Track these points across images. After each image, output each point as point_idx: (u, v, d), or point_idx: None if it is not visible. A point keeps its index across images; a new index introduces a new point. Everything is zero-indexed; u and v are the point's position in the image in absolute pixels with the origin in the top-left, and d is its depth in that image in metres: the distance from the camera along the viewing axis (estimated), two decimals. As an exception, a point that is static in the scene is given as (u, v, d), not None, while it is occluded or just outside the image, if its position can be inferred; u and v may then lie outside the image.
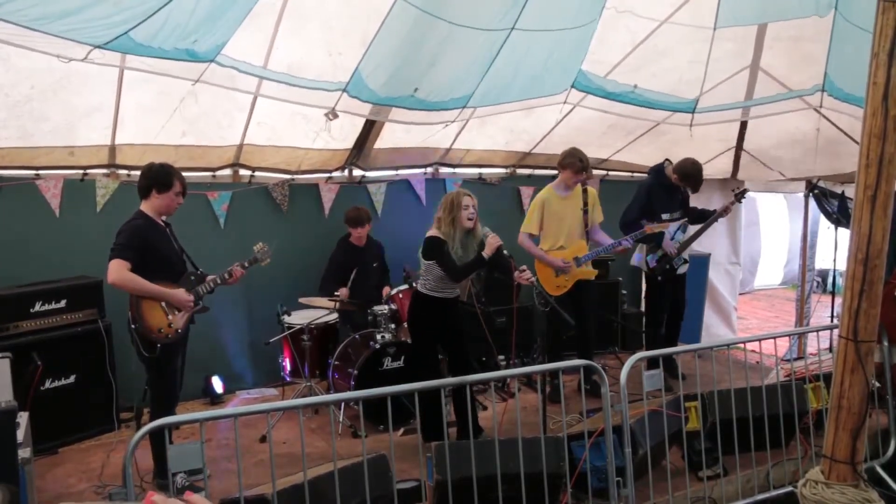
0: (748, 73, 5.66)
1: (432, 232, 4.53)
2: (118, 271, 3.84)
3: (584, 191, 5.50)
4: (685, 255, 5.89)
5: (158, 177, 4.04)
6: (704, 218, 5.96)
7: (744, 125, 6.73)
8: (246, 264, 4.34)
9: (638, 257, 6.13)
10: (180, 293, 4.04)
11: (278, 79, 4.46)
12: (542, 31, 4.61)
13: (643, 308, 7.51)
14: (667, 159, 5.91)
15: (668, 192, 5.81)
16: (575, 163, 5.33)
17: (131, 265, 3.87)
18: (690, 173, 5.66)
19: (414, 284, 5.62)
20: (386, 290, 5.91)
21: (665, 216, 5.69)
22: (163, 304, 4.00)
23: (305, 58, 4.54)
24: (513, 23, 4.50)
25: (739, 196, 5.95)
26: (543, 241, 5.49)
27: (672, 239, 5.80)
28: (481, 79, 4.91)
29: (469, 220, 4.45)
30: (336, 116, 4.84)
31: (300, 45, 4.52)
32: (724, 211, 5.83)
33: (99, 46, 3.69)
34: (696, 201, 6.95)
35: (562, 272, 5.38)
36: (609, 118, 6.05)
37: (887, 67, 2.49)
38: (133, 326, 3.91)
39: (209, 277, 4.22)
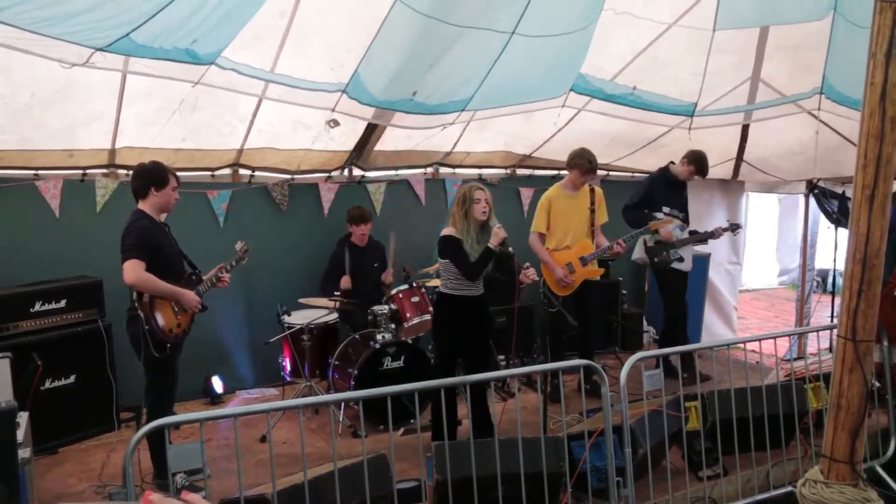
0: (748, 85, 5.67)
1: (447, 230, 4.47)
2: (135, 271, 3.83)
3: (592, 190, 5.51)
4: (683, 253, 5.90)
5: (154, 174, 4.06)
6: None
7: (744, 137, 6.72)
8: (233, 263, 4.38)
9: (638, 252, 6.14)
10: (191, 294, 4.07)
11: (278, 80, 4.47)
12: (543, 36, 4.60)
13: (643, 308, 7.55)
14: (671, 161, 5.97)
15: (672, 187, 5.89)
16: (584, 164, 5.34)
17: (145, 265, 3.87)
18: (700, 157, 5.81)
19: (414, 284, 5.64)
20: (387, 274, 5.91)
21: (665, 209, 5.75)
22: (172, 304, 4.02)
23: (309, 71, 4.55)
24: (513, 27, 4.50)
25: (734, 229, 6.03)
26: (549, 240, 5.49)
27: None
28: (481, 83, 4.90)
29: (483, 213, 4.40)
30: (337, 124, 4.82)
31: (302, 60, 4.52)
32: (713, 234, 5.91)
33: (100, 49, 3.69)
34: (699, 200, 6.97)
35: (563, 283, 5.38)
36: (609, 133, 6.07)
37: (884, 68, 2.49)
38: (146, 327, 3.89)
39: (206, 277, 4.25)
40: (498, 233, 4.31)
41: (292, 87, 4.49)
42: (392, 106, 4.92)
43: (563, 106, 5.52)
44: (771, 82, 5.60)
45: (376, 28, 4.31)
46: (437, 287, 4.75)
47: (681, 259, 5.91)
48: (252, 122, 5.29)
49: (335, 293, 5.43)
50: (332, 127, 4.82)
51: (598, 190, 5.60)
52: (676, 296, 6.04)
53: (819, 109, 5.33)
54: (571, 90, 5.31)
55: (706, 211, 7.21)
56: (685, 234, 5.96)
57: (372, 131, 5.81)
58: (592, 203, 5.49)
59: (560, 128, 6.10)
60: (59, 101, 4.51)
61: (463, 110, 5.13)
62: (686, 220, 6.01)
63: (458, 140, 6.30)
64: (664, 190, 5.89)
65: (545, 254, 5.44)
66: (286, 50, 4.41)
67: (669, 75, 5.40)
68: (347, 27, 4.40)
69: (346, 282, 5.63)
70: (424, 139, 6.04)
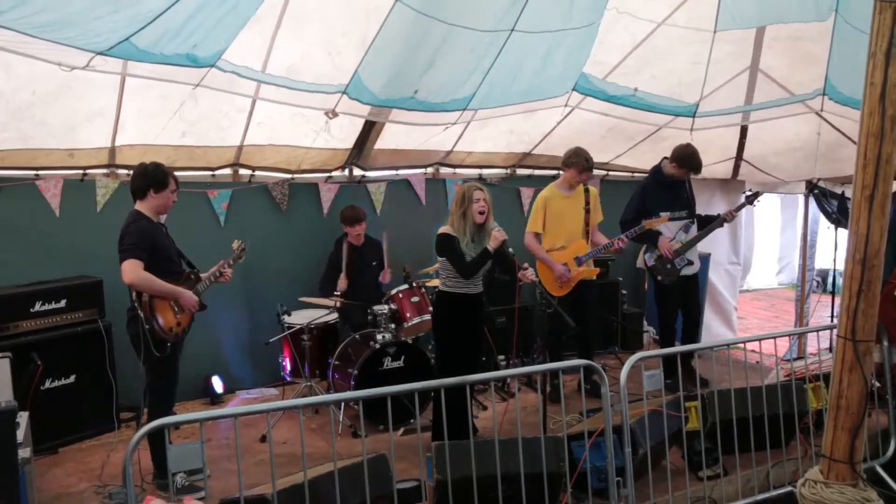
0: (748, 74, 5.64)
1: (443, 228, 4.48)
2: (134, 271, 3.84)
3: (586, 191, 5.50)
4: (691, 256, 5.71)
5: (155, 176, 4.07)
6: (709, 222, 5.81)
7: (744, 134, 6.69)
8: (231, 262, 4.40)
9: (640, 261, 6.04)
10: (189, 293, 4.08)
11: (278, 83, 4.46)
12: (542, 32, 4.59)
13: (643, 308, 7.54)
14: (664, 157, 5.85)
15: (668, 189, 5.66)
16: (580, 162, 5.32)
17: (144, 265, 3.88)
18: (687, 155, 5.50)
19: (414, 284, 5.64)
20: (385, 275, 5.91)
21: (663, 215, 5.54)
22: (172, 303, 4.03)
23: (305, 59, 4.53)
24: (512, 24, 4.50)
25: (751, 199, 5.81)
26: (544, 240, 5.47)
27: (673, 238, 5.65)
28: (482, 81, 4.89)
29: (480, 213, 4.38)
30: (336, 115, 4.83)
31: (299, 47, 4.51)
32: (729, 215, 5.68)
33: (101, 53, 3.69)
34: (700, 200, 6.94)
35: (562, 279, 5.36)
36: (609, 122, 6.03)
37: (884, 67, 2.49)
38: (147, 327, 3.89)
39: (204, 276, 4.27)
40: (497, 236, 4.31)
41: (292, 90, 4.49)
42: (393, 104, 4.92)
43: (565, 105, 5.50)
44: (770, 73, 5.57)
45: (373, 19, 4.30)
46: (437, 287, 4.75)
47: (690, 263, 5.72)
48: (251, 115, 5.28)
49: (334, 293, 5.44)
50: (331, 118, 4.81)
51: (593, 189, 5.58)
52: (693, 301, 5.92)
53: (822, 111, 5.32)
54: (574, 90, 5.30)
55: (706, 212, 7.20)
56: (691, 234, 5.74)
57: (371, 127, 5.80)
58: (587, 203, 5.47)
59: (559, 121, 6.08)
60: (60, 96, 4.50)
61: (465, 109, 5.12)
62: (692, 216, 5.78)
63: (458, 138, 6.29)
64: (658, 195, 5.63)
65: (542, 252, 5.43)
66: (282, 31, 4.37)
67: (668, 66, 5.37)
68: (343, 12, 4.39)
69: (342, 283, 5.63)
70: (425, 139, 6.04)
